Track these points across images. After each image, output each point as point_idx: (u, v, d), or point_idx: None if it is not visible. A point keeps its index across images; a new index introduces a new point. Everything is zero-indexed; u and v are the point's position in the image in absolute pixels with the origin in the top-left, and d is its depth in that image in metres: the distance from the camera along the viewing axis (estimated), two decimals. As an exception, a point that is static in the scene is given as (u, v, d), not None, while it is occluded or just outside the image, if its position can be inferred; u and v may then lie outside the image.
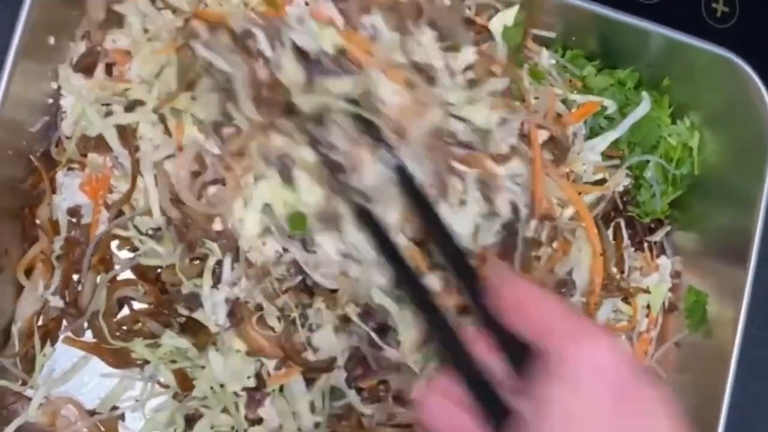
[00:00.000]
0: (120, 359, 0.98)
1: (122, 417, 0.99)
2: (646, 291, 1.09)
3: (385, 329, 0.90)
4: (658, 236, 1.13)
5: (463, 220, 0.89)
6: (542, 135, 1.00)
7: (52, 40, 0.94)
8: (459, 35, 0.98)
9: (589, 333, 0.52)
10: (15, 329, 0.95)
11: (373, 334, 0.89)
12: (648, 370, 0.48)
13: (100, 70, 0.98)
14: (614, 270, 1.07)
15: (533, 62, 1.04)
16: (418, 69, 0.92)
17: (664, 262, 1.13)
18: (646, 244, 1.13)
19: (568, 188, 1.01)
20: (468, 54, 0.97)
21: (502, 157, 0.92)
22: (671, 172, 1.09)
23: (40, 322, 0.97)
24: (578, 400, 0.52)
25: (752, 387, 1.07)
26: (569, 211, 1.02)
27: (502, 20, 0.99)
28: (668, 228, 1.13)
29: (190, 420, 0.95)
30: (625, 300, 1.09)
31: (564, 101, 1.05)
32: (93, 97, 0.95)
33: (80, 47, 0.99)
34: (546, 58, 1.04)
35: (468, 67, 0.95)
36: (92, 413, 0.98)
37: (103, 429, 0.99)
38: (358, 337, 0.91)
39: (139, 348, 0.95)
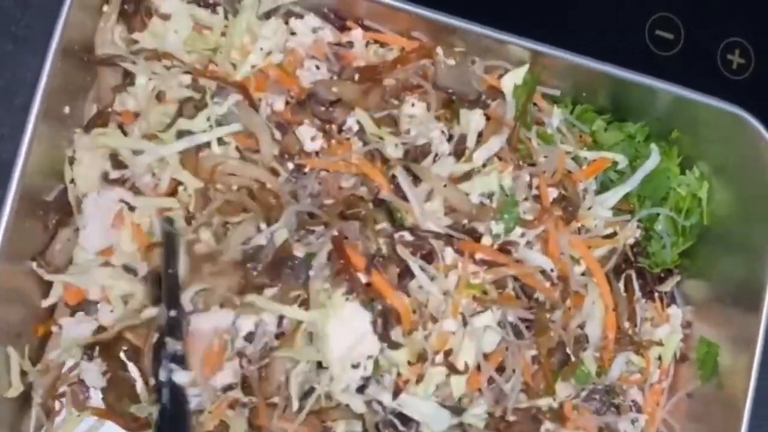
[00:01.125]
0: (133, 421, 0.98)
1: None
2: (659, 344, 1.09)
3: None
4: (668, 286, 1.14)
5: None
6: (552, 193, 1.00)
7: (67, 109, 0.95)
8: (470, 93, 0.99)
9: None
10: (36, 396, 0.96)
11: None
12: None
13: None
14: (626, 324, 1.07)
15: (542, 121, 1.04)
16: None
17: (674, 312, 1.13)
18: (656, 294, 1.13)
19: (579, 245, 1.01)
20: (476, 116, 0.98)
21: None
22: (681, 223, 1.10)
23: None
24: None
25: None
26: (581, 267, 1.03)
27: (513, 79, 1.00)
28: (678, 278, 1.14)
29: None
30: (638, 352, 1.09)
31: (574, 158, 1.05)
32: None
33: (92, 110, 0.99)
34: (556, 117, 1.04)
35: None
36: (111, 476, 0.98)
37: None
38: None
39: (142, 410, 0.95)
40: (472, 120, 0.98)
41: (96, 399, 0.98)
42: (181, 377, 0.87)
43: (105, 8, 0.96)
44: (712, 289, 1.12)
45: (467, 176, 0.97)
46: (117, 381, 0.95)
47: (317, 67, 0.98)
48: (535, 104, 1.04)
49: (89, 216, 0.94)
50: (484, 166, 0.97)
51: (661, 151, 1.09)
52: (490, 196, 0.96)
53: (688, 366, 1.12)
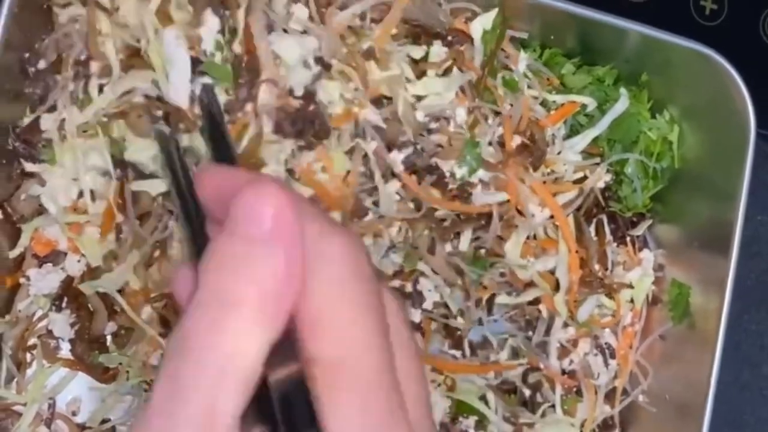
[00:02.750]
0: (106, 372, 0.98)
1: (113, 430, 0.98)
2: (629, 286, 1.10)
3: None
4: (639, 230, 1.14)
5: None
6: (517, 140, 1.00)
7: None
8: (436, 24, 0.98)
9: (254, 181, 0.45)
10: (5, 348, 0.96)
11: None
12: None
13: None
14: (597, 267, 1.07)
15: (508, 66, 1.04)
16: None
17: (646, 255, 1.14)
18: (628, 239, 1.14)
19: (542, 190, 1.01)
20: (438, 49, 0.97)
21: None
22: (652, 167, 1.10)
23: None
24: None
25: (737, 376, 1.08)
26: (547, 212, 1.03)
27: (482, 23, 0.99)
28: (650, 222, 1.14)
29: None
30: (609, 295, 1.09)
31: (542, 102, 1.05)
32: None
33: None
34: (523, 61, 1.04)
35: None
36: (83, 428, 0.98)
37: (89, 440, 0.99)
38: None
39: (111, 360, 0.95)
40: (437, 49, 0.98)
41: (66, 350, 0.98)
42: None
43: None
44: (684, 233, 1.12)
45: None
46: (85, 332, 0.95)
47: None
48: (502, 49, 1.03)
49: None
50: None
51: (631, 95, 1.08)
52: (439, 119, 0.96)
53: (660, 308, 1.13)
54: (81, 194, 0.94)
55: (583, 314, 1.07)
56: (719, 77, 1.01)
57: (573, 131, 1.08)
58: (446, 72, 0.97)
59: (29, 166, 0.95)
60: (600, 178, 1.07)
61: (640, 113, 1.09)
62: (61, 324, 0.96)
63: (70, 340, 0.97)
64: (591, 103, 1.06)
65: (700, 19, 1.14)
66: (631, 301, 1.12)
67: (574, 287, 1.03)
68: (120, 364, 0.95)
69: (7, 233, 0.96)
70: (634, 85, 1.09)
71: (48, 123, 0.92)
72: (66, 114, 0.90)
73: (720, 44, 1.01)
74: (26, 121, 0.93)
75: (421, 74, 0.97)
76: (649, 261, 1.14)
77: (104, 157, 0.91)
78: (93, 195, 0.94)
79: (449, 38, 0.98)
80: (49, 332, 0.98)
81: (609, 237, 1.11)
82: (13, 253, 0.95)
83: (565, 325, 1.08)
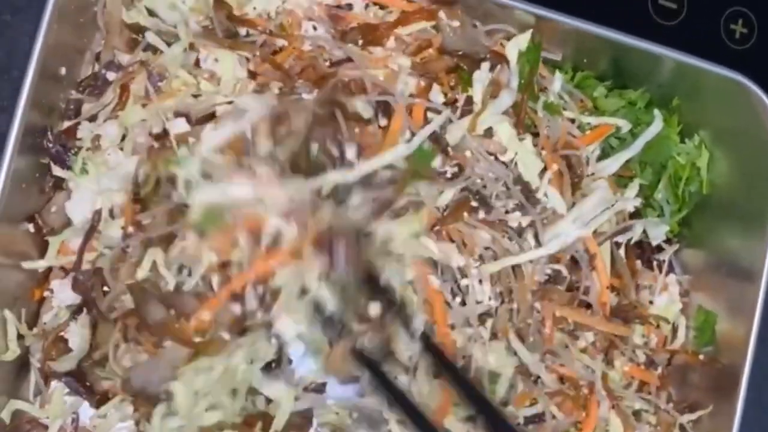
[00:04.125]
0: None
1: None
2: (665, 319, 1.09)
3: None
4: (666, 255, 1.13)
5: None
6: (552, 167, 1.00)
7: (63, 70, 0.94)
8: (480, 51, 0.98)
9: None
10: (33, 361, 0.96)
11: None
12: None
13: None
14: (634, 296, 1.07)
15: (543, 87, 1.03)
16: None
17: (672, 280, 1.13)
18: (655, 263, 1.13)
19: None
20: (485, 71, 0.97)
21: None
22: (680, 192, 1.10)
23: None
24: None
25: (763, 404, 1.08)
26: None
27: (517, 45, 0.99)
28: (676, 246, 1.14)
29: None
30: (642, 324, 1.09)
31: (575, 123, 1.05)
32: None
33: (88, 70, 0.99)
34: (557, 82, 1.04)
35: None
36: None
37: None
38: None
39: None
40: (483, 74, 0.97)
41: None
42: None
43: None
44: (711, 258, 1.12)
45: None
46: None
47: (314, 28, 0.97)
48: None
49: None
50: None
51: (662, 119, 1.09)
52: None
53: (685, 334, 1.12)
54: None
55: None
56: (750, 103, 1.01)
57: (604, 154, 1.07)
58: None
59: (57, 170, 0.95)
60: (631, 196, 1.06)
61: (671, 137, 1.09)
62: (75, 336, 0.95)
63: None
64: (625, 126, 1.06)
65: (730, 42, 1.14)
66: (657, 326, 1.12)
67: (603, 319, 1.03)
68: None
69: (37, 246, 0.95)
70: (664, 109, 1.09)
71: (85, 131, 0.93)
72: (102, 130, 0.91)
73: (749, 67, 1.02)
74: (65, 125, 0.94)
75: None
76: (676, 286, 1.13)
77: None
78: (112, 212, 0.94)
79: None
80: (64, 341, 0.97)
81: (640, 266, 1.11)
82: (41, 265, 0.95)
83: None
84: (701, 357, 1.08)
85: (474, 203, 0.94)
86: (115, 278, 0.91)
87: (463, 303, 0.95)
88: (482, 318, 0.96)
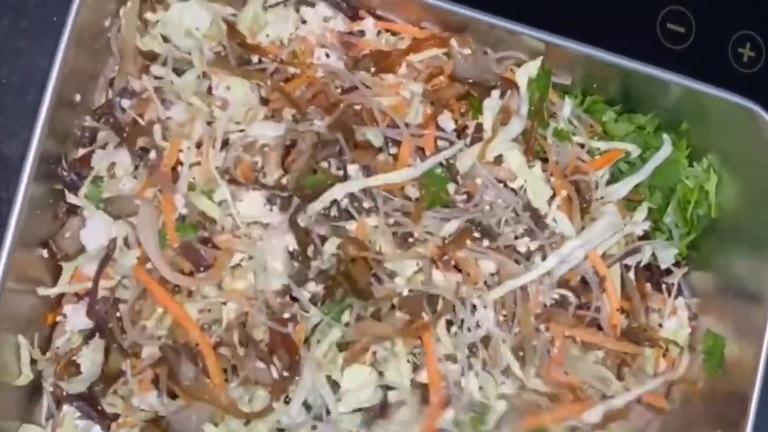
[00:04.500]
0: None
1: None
2: (674, 343, 1.09)
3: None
4: (675, 278, 1.13)
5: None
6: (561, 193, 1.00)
7: (78, 97, 0.94)
8: (491, 79, 0.99)
9: None
10: (46, 385, 0.96)
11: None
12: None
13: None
14: (644, 320, 1.07)
15: (552, 113, 1.04)
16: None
17: (681, 303, 1.13)
18: (663, 286, 1.13)
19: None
20: (495, 99, 0.98)
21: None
22: (689, 216, 1.10)
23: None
24: None
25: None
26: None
27: (527, 71, 0.99)
28: (685, 270, 1.14)
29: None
30: (651, 347, 1.09)
31: (585, 148, 1.05)
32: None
33: (101, 97, 0.99)
34: (567, 107, 1.04)
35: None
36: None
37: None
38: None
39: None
40: (493, 102, 0.98)
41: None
42: None
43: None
44: (719, 282, 1.12)
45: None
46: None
47: (327, 55, 0.98)
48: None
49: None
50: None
51: (671, 143, 1.09)
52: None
53: (694, 357, 1.13)
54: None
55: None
56: (758, 128, 1.01)
57: (613, 178, 1.08)
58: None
59: (72, 198, 0.95)
60: (641, 225, 1.07)
61: (679, 161, 1.09)
62: (87, 360, 0.96)
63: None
64: (634, 150, 1.07)
65: (738, 66, 1.15)
66: (666, 349, 1.12)
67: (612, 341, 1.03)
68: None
69: (51, 271, 0.96)
70: (673, 133, 1.10)
71: (99, 159, 0.93)
72: (116, 158, 0.92)
73: (757, 91, 1.02)
74: (80, 152, 0.95)
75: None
76: (684, 310, 1.13)
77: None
78: (126, 241, 0.94)
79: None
80: (76, 366, 0.97)
81: (649, 289, 1.11)
82: (55, 291, 0.95)
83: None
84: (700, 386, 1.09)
85: (476, 234, 0.95)
86: (135, 318, 0.92)
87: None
88: (484, 340, 0.96)
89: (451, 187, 0.95)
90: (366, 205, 0.92)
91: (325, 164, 0.93)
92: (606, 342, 1.03)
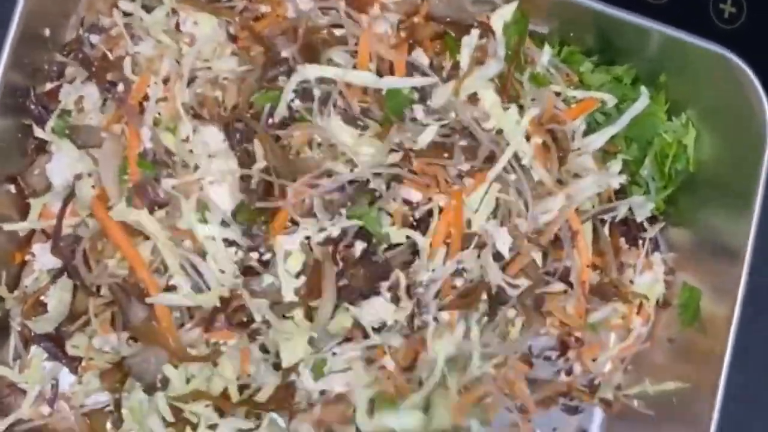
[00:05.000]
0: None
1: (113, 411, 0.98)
2: (645, 297, 1.09)
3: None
4: (651, 233, 1.13)
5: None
6: (535, 140, 0.99)
7: (47, 32, 0.93)
8: (467, 18, 0.98)
9: None
10: (14, 324, 0.96)
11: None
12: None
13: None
14: (616, 276, 1.07)
15: (530, 60, 1.03)
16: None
17: (657, 259, 1.13)
18: (640, 241, 1.13)
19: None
20: (475, 37, 0.97)
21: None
22: (667, 170, 1.10)
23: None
24: None
25: (745, 381, 1.08)
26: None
27: (502, 16, 0.98)
28: (662, 224, 1.14)
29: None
30: (623, 302, 1.10)
31: (561, 97, 1.04)
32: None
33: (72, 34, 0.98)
34: (546, 56, 1.03)
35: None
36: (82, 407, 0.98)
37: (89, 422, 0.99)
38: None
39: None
40: (472, 40, 0.97)
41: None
42: None
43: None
44: (697, 237, 1.12)
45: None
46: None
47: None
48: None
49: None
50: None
51: (649, 96, 1.08)
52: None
53: (669, 312, 1.12)
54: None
55: (597, 319, 1.08)
56: (737, 79, 1.00)
57: (590, 129, 1.07)
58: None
59: (39, 132, 0.94)
60: (616, 172, 1.06)
61: (657, 114, 1.09)
62: (54, 299, 0.95)
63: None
64: (611, 100, 1.06)
65: (719, 22, 1.15)
66: (640, 304, 1.12)
67: (581, 298, 1.04)
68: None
69: (18, 208, 0.95)
70: (651, 86, 1.09)
71: (66, 94, 0.92)
72: (84, 92, 0.91)
73: (738, 47, 1.01)
74: (48, 86, 0.94)
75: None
76: (660, 265, 1.13)
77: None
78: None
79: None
80: (44, 306, 0.97)
81: (624, 245, 1.11)
82: (22, 227, 0.95)
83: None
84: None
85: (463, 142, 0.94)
86: (97, 256, 0.91)
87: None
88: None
89: (420, 111, 0.94)
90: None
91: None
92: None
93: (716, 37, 1.02)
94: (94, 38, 0.95)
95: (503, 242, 0.95)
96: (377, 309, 0.91)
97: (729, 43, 1.02)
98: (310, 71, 0.90)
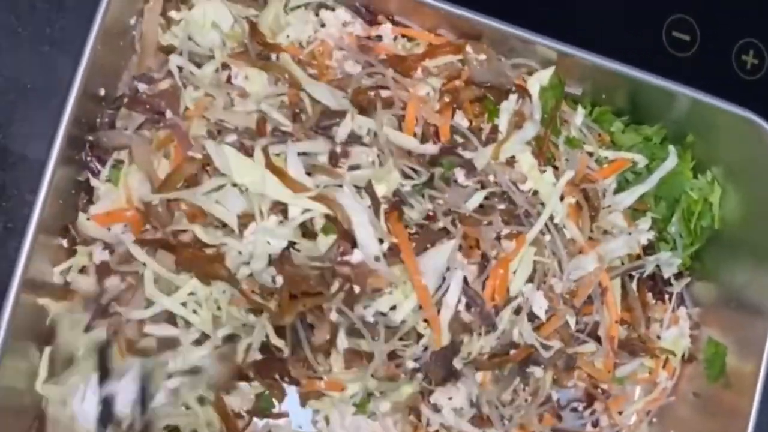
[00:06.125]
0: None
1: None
2: (671, 353, 1.11)
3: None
4: (678, 288, 1.15)
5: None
6: (568, 199, 1.02)
7: (102, 91, 0.96)
8: (506, 83, 1.01)
9: None
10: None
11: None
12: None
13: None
14: (644, 330, 1.09)
15: (564, 120, 1.06)
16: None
17: (683, 313, 1.15)
18: (666, 296, 1.15)
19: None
20: (512, 102, 1.00)
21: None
22: (693, 226, 1.12)
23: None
24: None
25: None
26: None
27: (539, 80, 1.02)
28: (688, 280, 1.16)
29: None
30: (651, 357, 1.12)
31: (594, 157, 1.07)
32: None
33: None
34: (579, 117, 1.07)
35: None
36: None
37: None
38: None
39: None
40: (510, 104, 1.00)
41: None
42: None
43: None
44: (722, 292, 1.14)
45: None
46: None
47: (345, 57, 1.00)
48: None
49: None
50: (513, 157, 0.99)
51: (677, 154, 1.11)
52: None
53: (695, 366, 1.15)
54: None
55: (625, 373, 1.10)
56: (761, 139, 1.03)
57: (620, 187, 1.10)
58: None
59: (95, 182, 0.96)
60: (646, 234, 1.09)
61: (684, 173, 1.12)
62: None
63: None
64: (642, 160, 1.09)
65: (741, 73, 1.17)
66: (666, 358, 1.14)
67: (609, 353, 1.06)
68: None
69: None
70: (678, 145, 1.12)
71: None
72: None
73: (760, 98, 1.05)
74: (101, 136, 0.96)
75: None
76: (686, 320, 1.15)
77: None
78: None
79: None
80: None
81: (651, 300, 1.13)
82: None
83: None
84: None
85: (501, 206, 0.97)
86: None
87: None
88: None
89: (461, 175, 0.97)
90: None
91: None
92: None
93: (739, 89, 1.06)
94: (142, 86, 0.97)
95: (540, 306, 0.98)
96: None
97: (751, 94, 1.05)
98: (365, 122, 0.93)
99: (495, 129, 1.00)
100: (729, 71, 1.17)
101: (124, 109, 0.96)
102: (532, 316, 0.99)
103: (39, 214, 0.87)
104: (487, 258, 0.95)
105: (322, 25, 1.02)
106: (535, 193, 1.00)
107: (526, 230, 0.97)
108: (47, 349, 0.93)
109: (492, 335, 0.96)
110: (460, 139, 0.98)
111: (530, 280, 0.98)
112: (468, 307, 0.95)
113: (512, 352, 1.00)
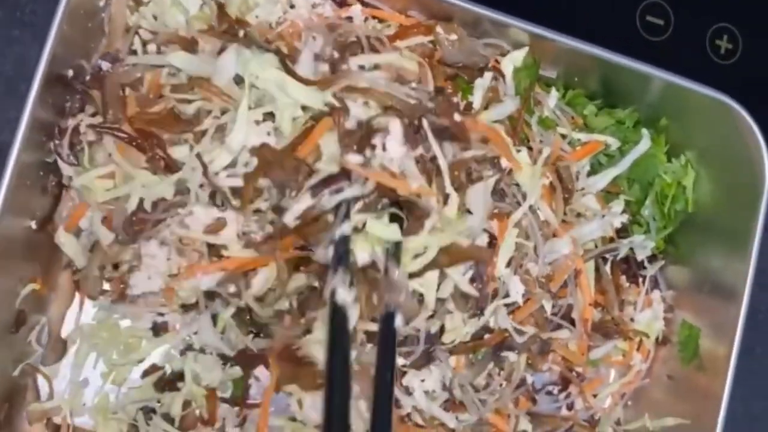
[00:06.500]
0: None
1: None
2: (645, 334, 1.12)
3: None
4: (651, 271, 1.16)
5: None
6: (542, 180, 1.02)
7: (70, 72, 0.95)
8: (480, 61, 1.01)
9: None
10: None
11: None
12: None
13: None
14: (617, 313, 1.10)
15: (537, 101, 1.06)
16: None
17: (657, 296, 1.16)
18: (640, 279, 1.16)
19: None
20: (488, 78, 1.00)
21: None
22: (666, 210, 1.12)
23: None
24: None
25: (743, 421, 1.10)
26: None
27: (512, 61, 1.01)
28: (662, 263, 1.16)
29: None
30: (624, 339, 1.12)
31: (567, 139, 1.07)
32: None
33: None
34: (553, 100, 1.06)
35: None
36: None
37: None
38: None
39: None
40: (485, 81, 1.00)
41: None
42: None
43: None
44: (695, 275, 1.14)
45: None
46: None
47: (314, 38, 0.99)
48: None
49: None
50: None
51: (650, 138, 1.11)
52: None
53: (668, 349, 1.15)
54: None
55: (598, 356, 1.10)
56: (735, 123, 1.03)
57: (593, 170, 1.10)
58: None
59: (66, 169, 0.96)
60: (619, 217, 1.09)
61: (658, 156, 1.12)
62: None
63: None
64: (614, 143, 1.09)
65: (715, 57, 1.17)
66: (640, 341, 1.14)
67: (583, 335, 1.06)
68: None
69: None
70: (652, 128, 1.12)
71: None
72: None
73: (733, 83, 1.05)
74: (70, 123, 0.95)
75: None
76: (660, 303, 1.15)
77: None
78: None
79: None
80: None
81: (625, 283, 1.13)
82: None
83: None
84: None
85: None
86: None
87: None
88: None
89: None
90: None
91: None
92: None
93: (712, 74, 1.05)
94: (105, 65, 0.96)
95: (517, 291, 0.98)
96: None
97: (725, 79, 1.05)
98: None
99: (469, 106, 1.00)
100: (703, 56, 1.17)
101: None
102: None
103: (3, 200, 0.86)
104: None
105: (291, 7, 1.02)
106: (509, 173, 0.99)
107: (506, 209, 0.96)
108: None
109: (478, 320, 0.96)
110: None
111: (508, 263, 0.98)
112: (472, 280, 0.95)
113: (486, 336, 1.00)
